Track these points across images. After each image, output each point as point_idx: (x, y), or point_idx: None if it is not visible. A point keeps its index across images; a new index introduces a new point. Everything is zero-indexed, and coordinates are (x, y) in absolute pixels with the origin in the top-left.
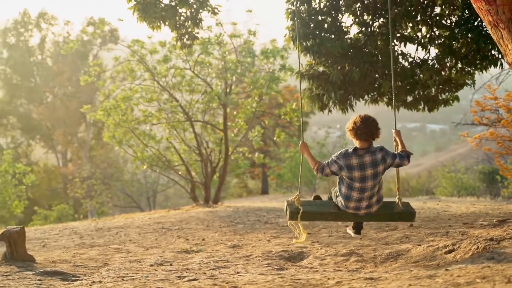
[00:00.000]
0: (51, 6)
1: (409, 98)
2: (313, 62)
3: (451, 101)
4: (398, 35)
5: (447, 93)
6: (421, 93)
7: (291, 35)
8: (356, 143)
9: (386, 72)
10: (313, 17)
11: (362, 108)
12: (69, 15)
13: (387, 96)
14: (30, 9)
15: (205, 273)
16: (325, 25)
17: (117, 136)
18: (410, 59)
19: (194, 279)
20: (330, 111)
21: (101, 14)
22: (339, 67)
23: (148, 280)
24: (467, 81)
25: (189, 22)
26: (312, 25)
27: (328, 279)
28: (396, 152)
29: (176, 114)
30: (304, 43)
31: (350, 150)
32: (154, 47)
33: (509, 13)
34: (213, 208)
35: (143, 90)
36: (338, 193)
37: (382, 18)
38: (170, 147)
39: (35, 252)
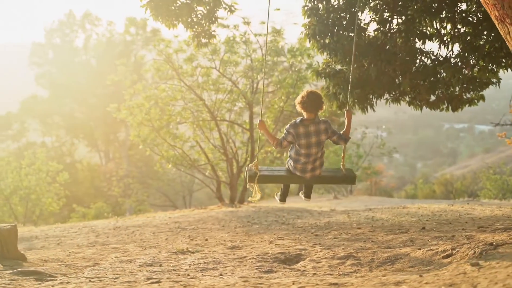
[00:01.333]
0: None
1: (432, 98)
2: (330, 60)
3: (476, 101)
4: (417, 32)
5: (471, 92)
6: (444, 92)
7: (307, 33)
8: (304, 115)
9: (411, 71)
10: (331, 15)
11: (382, 107)
12: (112, 15)
13: (409, 96)
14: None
15: (188, 275)
16: (344, 23)
17: (141, 135)
18: (433, 57)
19: (158, 282)
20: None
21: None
22: (355, 65)
23: (115, 281)
24: (492, 79)
25: (205, 20)
26: (329, 22)
27: (293, 283)
28: (338, 131)
29: (201, 113)
30: (321, 41)
31: (298, 120)
32: (180, 46)
33: None
34: (236, 208)
35: (170, 89)
36: (288, 158)
37: (401, 15)
38: (194, 146)
39: (46, 250)
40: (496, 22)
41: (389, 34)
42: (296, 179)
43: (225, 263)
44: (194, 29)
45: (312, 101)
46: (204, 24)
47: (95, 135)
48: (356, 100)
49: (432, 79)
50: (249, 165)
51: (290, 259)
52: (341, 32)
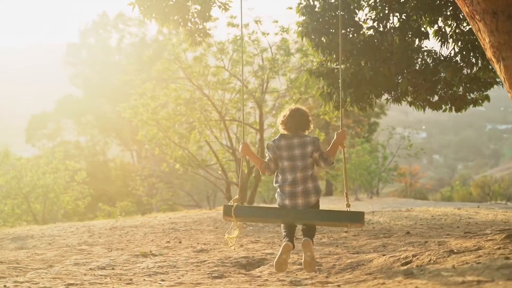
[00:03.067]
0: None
1: (435, 98)
2: (324, 59)
3: (480, 101)
4: (414, 30)
5: (475, 93)
6: (446, 92)
7: (301, 31)
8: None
9: (405, 70)
10: (328, 13)
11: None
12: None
13: (411, 96)
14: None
15: (130, 280)
16: (334, 20)
17: (148, 135)
18: (434, 56)
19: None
20: (346, 110)
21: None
22: (348, 64)
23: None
24: (497, 79)
25: (199, 18)
26: (324, 20)
27: None
28: (323, 151)
29: (210, 113)
30: (316, 40)
31: (279, 135)
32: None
33: (484, 4)
34: None
35: (180, 89)
36: (277, 189)
37: (398, 13)
38: (202, 146)
39: (38, 248)
40: (468, 19)
41: (386, 32)
42: (286, 213)
43: (180, 267)
44: (188, 27)
45: (297, 122)
46: (199, 22)
47: (124, 134)
48: (350, 100)
49: (432, 78)
50: (230, 201)
51: (252, 263)
52: (332, 31)
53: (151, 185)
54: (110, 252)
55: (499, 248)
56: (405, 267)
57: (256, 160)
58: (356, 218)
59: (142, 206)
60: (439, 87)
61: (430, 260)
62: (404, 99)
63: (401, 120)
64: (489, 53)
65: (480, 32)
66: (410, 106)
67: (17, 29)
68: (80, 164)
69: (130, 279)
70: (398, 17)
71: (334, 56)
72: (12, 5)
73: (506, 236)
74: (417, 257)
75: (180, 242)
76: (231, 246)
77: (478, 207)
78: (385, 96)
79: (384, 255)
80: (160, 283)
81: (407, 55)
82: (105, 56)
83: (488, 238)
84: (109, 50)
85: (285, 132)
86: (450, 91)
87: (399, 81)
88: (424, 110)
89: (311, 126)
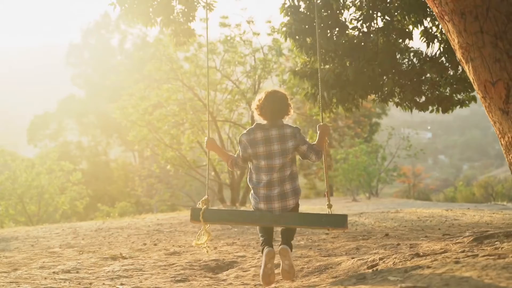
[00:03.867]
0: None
1: (423, 99)
2: (308, 60)
3: (467, 102)
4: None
5: (462, 93)
6: (433, 93)
7: (284, 31)
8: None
9: (393, 71)
10: (312, 13)
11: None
12: None
13: (398, 97)
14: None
15: (91, 284)
16: (314, 22)
17: (138, 135)
18: (419, 57)
19: None
20: (332, 111)
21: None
22: (332, 65)
23: None
24: None
25: (183, 18)
26: (308, 21)
27: None
28: (310, 143)
29: (203, 114)
30: (300, 40)
31: (254, 125)
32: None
33: (452, 4)
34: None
35: (172, 89)
36: (251, 191)
37: (381, 12)
38: (194, 147)
39: (19, 250)
40: (438, 20)
41: (369, 33)
42: (260, 217)
43: (146, 271)
44: (172, 28)
45: (274, 106)
46: (183, 23)
47: (126, 135)
48: (335, 100)
49: (415, 79)
50: (198, 202)
51: (221, 266)
52: (319, 31)
53: (150, 186)
54: (81, 255)
55: (462, 251)
56: (369, 270)
57: (223, 155)
58: (339, 222)
59: (141, 207)
60: (425, 88)
61: (394, 263)
62: (390, 100)
63: (406, 121)
64: (458, 54)
65: (449, 33)
66: (397, 107)
67: (19, 29)
68: (82, 165)
69: (90, 283)
70: (382, 17)
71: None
72: (13, 5)
73: (474, 239)
74: (383, 260)
75: (155, 245)
76: (204, 248)
77: (468, 208)
78: (372, 97)
79: (353, 258)
80: (118, 287)
81: (391, 56)
82: (106, 57)
83: (457, 241)
84: (111, 50)
85: (261, 118)
86: (436, 92)
87: (384, 81)
88: (411, 111)
89: (291, 111)
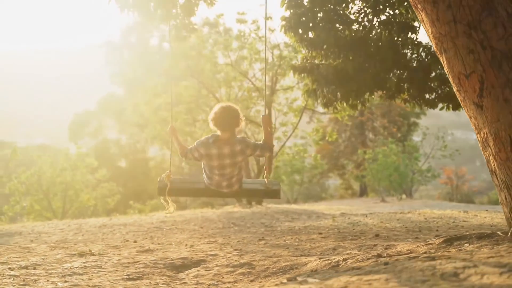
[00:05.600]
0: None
1: (433, 95)
2: (308, 54)
3: None
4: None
5: None
6: (444, 89)
7: (283, 25)
8: (218, 132)
9: (397, 66)
10: (316, 8)
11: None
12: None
13: (406, 93)
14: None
15: (36, 280)
16: (321, 14)
17: (150, 132)
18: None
19: None
20: (335, 108)
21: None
22: (331, 60)
23: None
24: None
25: (184, 13)
26: (310, 15)
27: None
28: (258, 143)
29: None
30: (301, 34)
31: (211, 140)
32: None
33: None
34: (249, 209)
35: (187, 87)
36: (203, 171)
37: (385, 6)
38: None
39: (19, 245)
40: (413, 9)
41: (371, 27)
42: (212, 193)
43: (105, 268)
44: (173, 23)
45: (224, 119)
46: (184, 18)
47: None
48: (340, 97)
49: (424, 75)
50: (162, 176)
51: (186, 265)
52: (321, 25)
53: None
54: (52, 251)
55: (424, 253)
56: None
57: (179, 144)
58: (275, 194)
59: (177, 203)
60: (435, 84)
61: (354, 264)
62: (398, 96)
63: (453, 121)
64: (434, 45)
65: (424, 23)
66: (405, 104)
67: (61, 31)
68: (121, 162)
69: (36, 280)
70: (384, 11)
71: (318, 51)
72: (54, 6)
73: (444, 240)
74: (346, 261)
75: (135, 241)
76: (170, 212)
77: (487, 210)
78: (379, 93)
79: (321, 258)
80: (56, 284)
81: (394, 51)
82: (145, 55)
83: (429, 242)
84: (149, 49)
85: (216, 129)
86: (446, 88)
87: (389, 78)
88: (420, 108)
89: (241, 124)
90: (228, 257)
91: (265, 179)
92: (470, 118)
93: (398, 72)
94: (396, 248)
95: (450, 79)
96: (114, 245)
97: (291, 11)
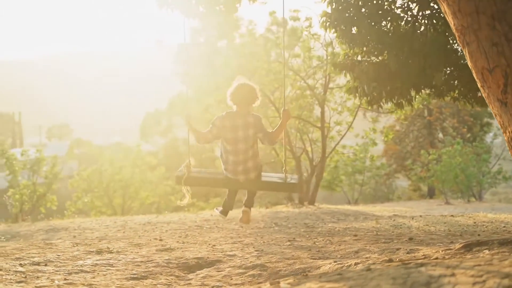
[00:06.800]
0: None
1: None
2: (350, 51)
3: None
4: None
5: None
6: None
7: (324, 21)
8: (234, 108)
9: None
10: (360, 2)
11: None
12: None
13: (456, 90)
14: None
15: (37, 278)
16: (364, 10)
17: None
18: None
19: None
20: (380, 106)
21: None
22: (373, 56)
23: None
24: None
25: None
26: (353, 10)
27: None
28: (266, 130)
29: (267, 110)
30: (344, 30)
31: (225, 113)
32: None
33: None
34: (298, 208)
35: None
36: (220, 157)
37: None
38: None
39: (61, 241)
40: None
41: (416, 22)
42: (229, 182)
43: (115, 267)
44: (214, 19)
45: (240, 94)
46: (226, 14)
47: None
48: (385, 95)
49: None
50: (182, 165)
51: (200, 265)
52: (364, 21)
53: None
54: (73, 247)
55: (436, 258)
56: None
57: (196, 131)
58: (292, 188)
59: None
60: None
61: (364, 268)
62: (447, 94)
63: None
64: (457, 38)
65: (446, 15)
66: (454, 102)
67: (134, 33)
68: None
69: (37, 277)
70: (430, 5)
71: (360, 47)
72: (125, 9)
73: (463, 246)
74: (358, 265)
75: (160, 240)
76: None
77: None
78: (426, 91)
79: (335, 262)
80: (53, 281)
81: (439, 47)
82: (215, 55)
83: (448, 247)
84: (218, 48)
85: (233, 104)
86: None
87: (436, 74)
88: (472, 106)
89: (258, 100)
90: (246, 258)
91: (285, 173)
92: (495, 115)
93: (447, 69)
94: (418, 252)
95: (474, 75)
96: (137, 243)
97: (333, 6)
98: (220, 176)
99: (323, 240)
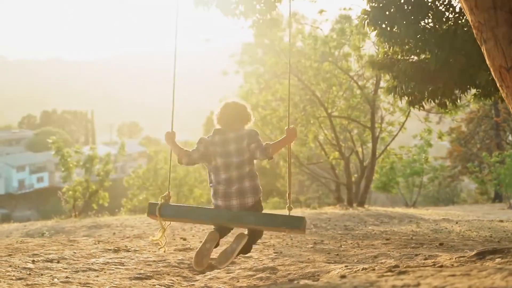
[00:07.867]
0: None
1: None
2: (388, 50)
3: None
4: None
5: None
6: None
7: (363, 19)
8: None
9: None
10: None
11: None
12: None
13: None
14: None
15: (41, 275)
16: (405, 7)
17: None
18: None
19: None
20: (422, 107)
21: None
22: (411, 55)
23: None
24: None
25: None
26: (392, 8)
27: None
28: (263, 143)
29: (315, 110)
30: (384, 28)
31: (213, 129)
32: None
33: None
34: (344, 211)
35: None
36: (211, 190)
37: None
38: (306, 143)
39: (101, 236)
40: None
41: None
42: (218, 214)
43: (125, 266)
44: (254, 18)
45: (229, 115)
46: (265, 12)
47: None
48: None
49: None
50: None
51: (212, 266)
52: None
53: (301, 182)
54: (93, 245)
55: (440, 266)
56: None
57: (176, 149)
58: (295, 223)
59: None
60: None
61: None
62: (496, 94)
63: None
64: (475, 35)
65: (465, 11)
66: (501, 102)
67: (199, 34)
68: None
69: (41, 274)
70: None
71: (399, 46)
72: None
73: (476, 253)
74: (366, 270)
75: (184, 239)
76: (161, 248)
77: None
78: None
79: (346, 267)
80: (53, 279)
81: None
82: (277, 55)
83: (463, 255)
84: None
85: (219, 127)
86: None
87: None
88: None
89: (250, 119)
90: (260, 260)
91: (288, 210)
92: None
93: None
94: (436, 259)
95: (492, 73)
96: (157, 242)
97: (373, 4)
98: (206, 208)
99: (351, 243)
